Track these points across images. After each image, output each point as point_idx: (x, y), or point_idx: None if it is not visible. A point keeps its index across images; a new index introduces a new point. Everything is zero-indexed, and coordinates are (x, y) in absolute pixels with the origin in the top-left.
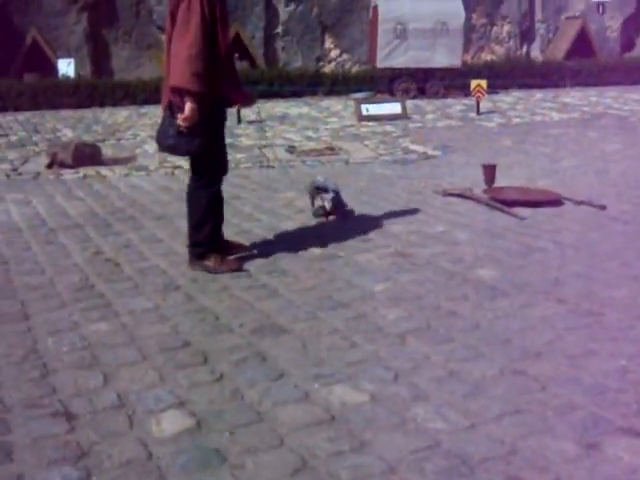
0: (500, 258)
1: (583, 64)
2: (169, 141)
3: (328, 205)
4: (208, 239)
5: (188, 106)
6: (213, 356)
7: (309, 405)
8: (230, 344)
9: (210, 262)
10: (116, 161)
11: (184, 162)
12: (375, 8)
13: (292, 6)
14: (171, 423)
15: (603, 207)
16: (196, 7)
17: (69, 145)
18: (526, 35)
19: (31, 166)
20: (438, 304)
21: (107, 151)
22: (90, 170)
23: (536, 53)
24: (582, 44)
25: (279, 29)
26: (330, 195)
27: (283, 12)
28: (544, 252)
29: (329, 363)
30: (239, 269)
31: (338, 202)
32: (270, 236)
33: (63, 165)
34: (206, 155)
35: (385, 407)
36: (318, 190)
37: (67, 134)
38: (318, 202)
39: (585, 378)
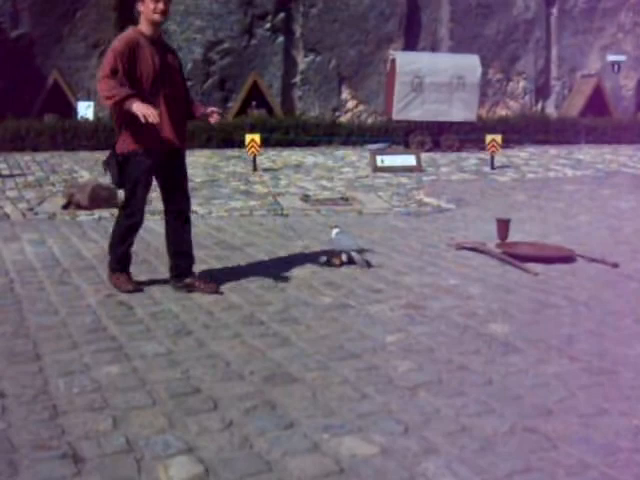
0: (513, 313)
1: (598, 122)
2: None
3: (344, 257)
4: (118, 259)
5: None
6: (223, 403)
7: (318, 456)
8: (240, 391)
9: (115, 279)
10: None
11: (199, 207)
12: (393, 61)
13: (311, 56)
14: (179, 470)
15: (616, 265)
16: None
17: (86, 187)
18: (541, 91)
19: (47, 206)
20: (450, 358)
21: (122, 194)
22: (105, 212)
23: (551, 109)
24: (597, 102)
25: (297, 78)
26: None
27: (302, 62)
28: (557, 308)
29: (339, 414)
30: (135, 290)
31: (354, 255)
32: (283, 284)
33: (79, 206)
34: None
35: (395, 460)
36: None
37: (84, 176)
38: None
39: (597, 437)
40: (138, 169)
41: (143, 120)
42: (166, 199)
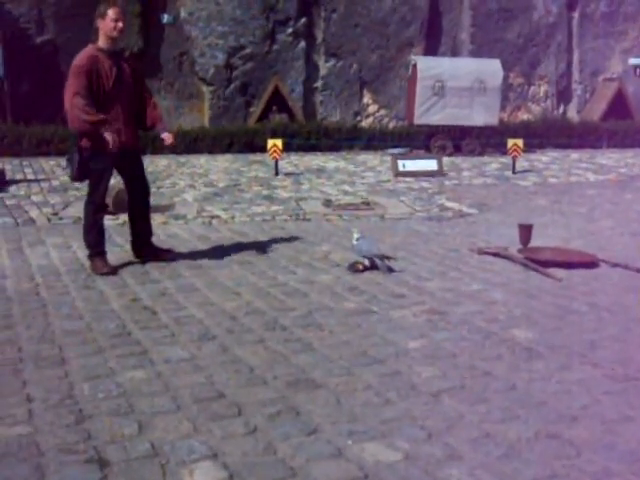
0: (536, 319)
1: (620, 126)
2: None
3: (367, 262)
4: (92, 244)
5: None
6: (247, 408)
7: (342, 462)
8: (264, 397)
9: (93, 265)
10: (155, 209)
11: (222, 212)
12: (414, 66)
13: (332, 61)
14: (204, 475)
15: (639, 270)
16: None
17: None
18: (563, 95)
19: (72, 211)
20: (473, 363)
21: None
22: None
23: (572, 113)
24: (619, 106)
25: (318, 83)
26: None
27: (323, 67)
28: (580, 314)
29: (363, 420)
30: (109, 273)
31: (377, 261)
32: (305, 289)
33: None
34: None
35: (418, 467)
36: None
37: None
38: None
39: (621, 444)
40: (102, 165)
41: (111, 146)
42: (129, 189)
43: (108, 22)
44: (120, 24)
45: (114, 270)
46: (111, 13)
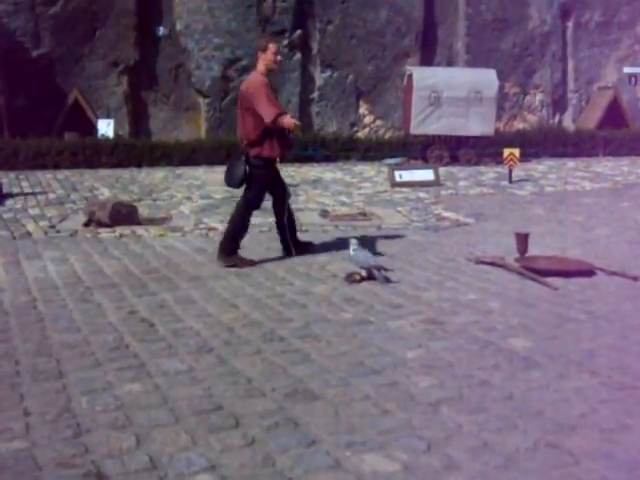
0: (533, 328)
1: (615, 134)
2: (235, 178)
3: (364, 272)
4: (236, 239)
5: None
6: (245, 420)
7: (341, 473)
8: (262, 409)
9: (237, 260)
10: (152, 221)
11: (219, 224)
12: (410, 76)
13: (328, 72)
14: None
15: (636, 278)
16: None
17: (106, 204)
18: (558, 104)
19: (69, 224)
20: (470, 373)
21: (143, 211)
22: (126, 230)
23: (568, 122)
24: (614, 114)
25: (315, 94)
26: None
27: (319, 78)
28: (577, 323)
29: (361, 431)
30: (252, 264)
31: (374, 272)
32: (303, 300)
33: (100, 224)
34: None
35: (417, 477)
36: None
37: (104, 193)
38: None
39: (619, 453)
40: (265, 172)
41: (292, 129)
42: (277, 194)
43: (270, 55)
44: (279, 58)
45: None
46: (272, 48)
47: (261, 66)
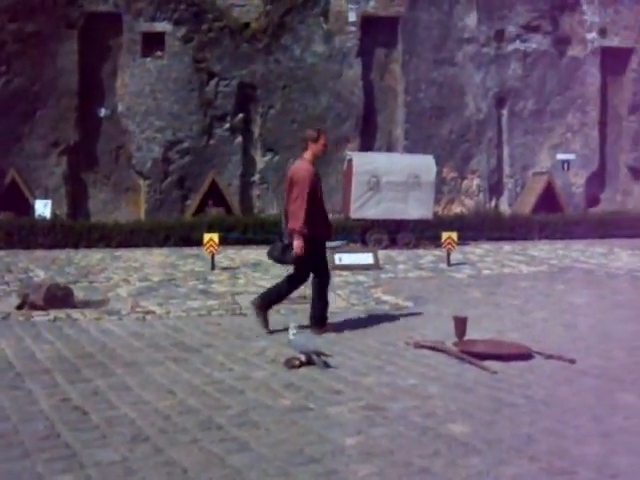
0: (472, 413)
1: (550, 218)
2: (275, 254)
3: (303, 358)
4: (272, 302)
5: (297, 243)
6: None
7: None
8: None
9: (325, 327)
10: (88, 304)
11: (157, 307)
12: (350, 161)
13: (269, 156)
14: None
15: (573, 361)
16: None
17: (41, 286)
18: (495, 189)
19: (1, 306)
20: (410, 460)
21: (79, 294)
22: (61, 313)
23: (504, 207)
24: (549, 199)
25: (255, 177)
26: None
27: (260, 161)
28: (515, 407)
29: None
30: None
31: (313, 357)
32: (242, 386)
33: (34, 307)
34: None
35: None
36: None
37: (40, 274)
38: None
39: None
40: (317, 249)
41: (296, 252)
42: (319, 272)
43: (320, 146)
44: (326, 148)
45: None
46: (323, 139)
47: (309, 155)
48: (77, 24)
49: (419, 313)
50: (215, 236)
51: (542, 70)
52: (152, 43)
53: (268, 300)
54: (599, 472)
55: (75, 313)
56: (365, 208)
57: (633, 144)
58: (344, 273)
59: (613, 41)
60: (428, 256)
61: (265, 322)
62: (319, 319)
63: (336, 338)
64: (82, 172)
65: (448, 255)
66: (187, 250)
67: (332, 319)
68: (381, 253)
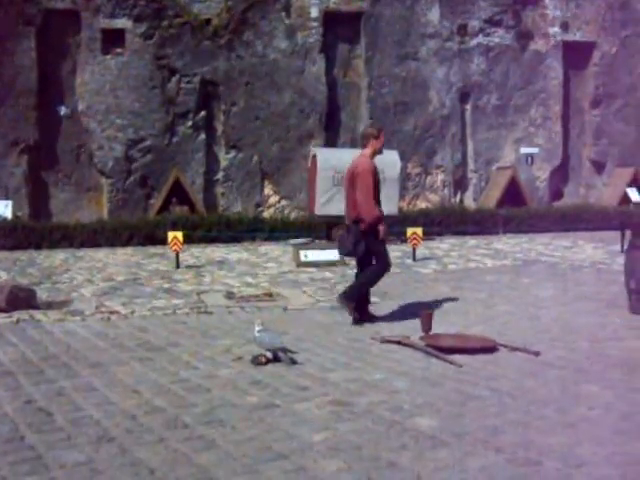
0: (439, 406)
1: (514, 212)
2: (346, 250)
3: (269, 355)
4: (359, 294)
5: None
6: None
7: None
8: None
9: (350, 307)
10: (51, 305)
11: (121, 307)
12: (314, 157)
13: (233, 153)
14: None
15: (537, 353)
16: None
17: (3, 288)
18: (459, 184)
19: None
20: (378, 454)
21: (42, 294)
22: (24, 314)
23: (469, 201)
24: (513, 193)
25: (219, 175)
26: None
27: (224, 159)
28: (481, 400)
29: None
30: (359, 320)
31: (279, 354)
32: (208, 384)
33: None
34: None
35: None
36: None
37: (1, 276)
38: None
39: None
40: (378, 242)
41: (381, 235)
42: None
43: (379, 142)
44: (383, 145)
45: (361, 321)
46: (382, 136)
47: (369, 151)
48: (35, 21)
49: (385, 308)
50: (179, 234)
51: (505, 65)
52: (112, 40)
53: (355, 295)
54: (565, 462)
55: (38, 314)
56: (330, 204)
57: (595, 138)
58: (310, 269)
59: (575, 35)
60: (394, 252)
61: (353, 311)
62: (354, 297)
63: (302, 334)
64: (43, 172)
65: (414, 250)
66: (151, 249)
67: (298, 316)
68: None
